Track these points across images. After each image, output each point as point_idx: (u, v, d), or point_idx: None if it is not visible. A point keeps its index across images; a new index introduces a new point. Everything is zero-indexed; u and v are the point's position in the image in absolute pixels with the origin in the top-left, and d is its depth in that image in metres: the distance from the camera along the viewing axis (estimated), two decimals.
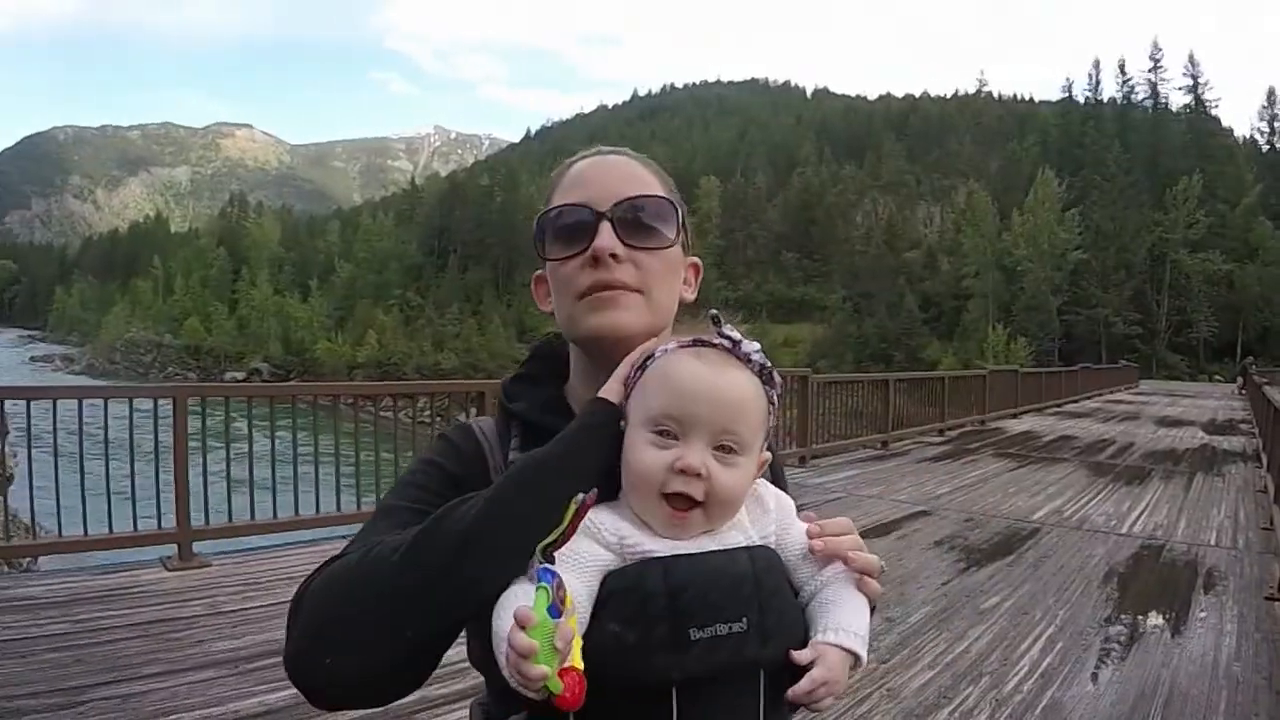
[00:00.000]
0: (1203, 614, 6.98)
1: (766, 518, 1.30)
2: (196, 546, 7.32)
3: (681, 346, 1.28)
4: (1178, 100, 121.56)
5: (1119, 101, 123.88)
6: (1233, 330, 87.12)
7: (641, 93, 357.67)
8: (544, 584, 1.01)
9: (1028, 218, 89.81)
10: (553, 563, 1.07)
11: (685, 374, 1.23)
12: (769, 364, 1.28)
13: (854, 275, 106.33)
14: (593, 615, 1.13)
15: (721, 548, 1.21)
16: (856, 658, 1.25)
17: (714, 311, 1.28)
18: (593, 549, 1.18)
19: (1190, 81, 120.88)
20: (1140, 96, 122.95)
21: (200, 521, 7.48)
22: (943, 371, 28.91)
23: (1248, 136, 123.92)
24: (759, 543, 1.26)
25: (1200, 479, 14.56)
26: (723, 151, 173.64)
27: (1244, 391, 42.67)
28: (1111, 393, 42.67)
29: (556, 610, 1.00)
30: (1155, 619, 6.83)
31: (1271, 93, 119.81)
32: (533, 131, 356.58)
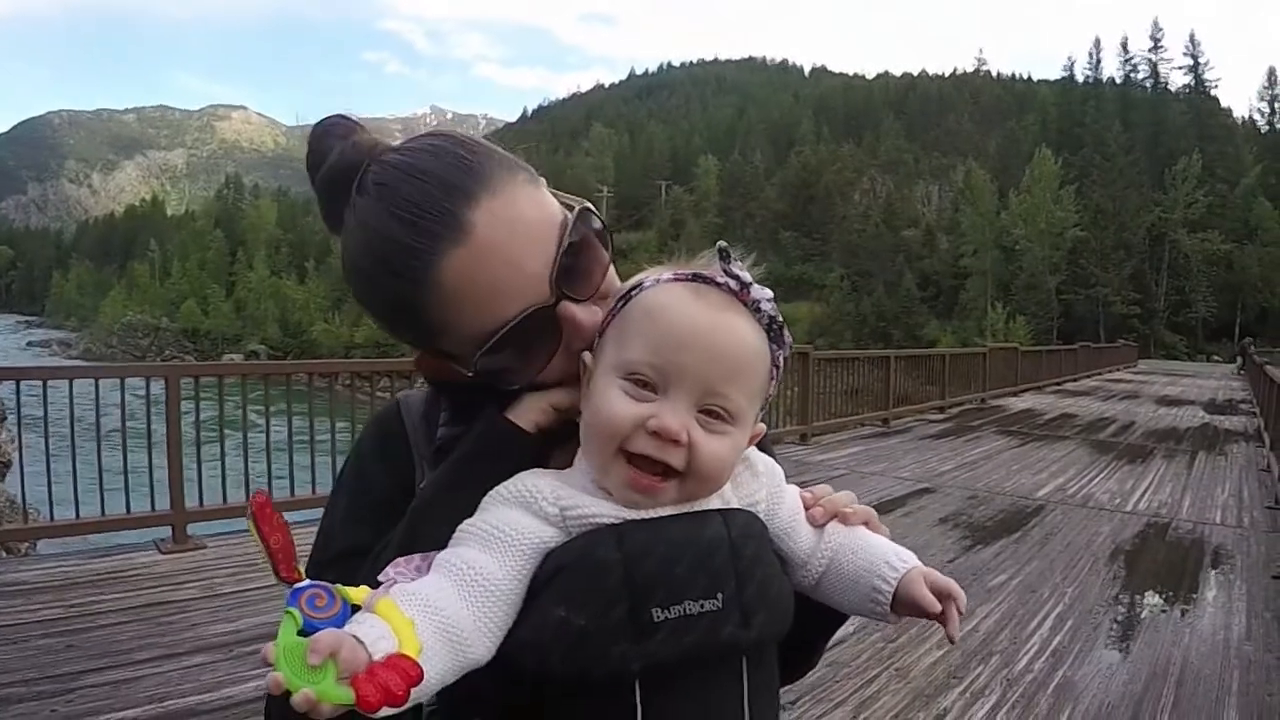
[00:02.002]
0: (1211, 593, 6.93)
1: (755, 482, 1.10)
2: (191, 528, 7.23)
3: (677, 279, 1.05)
4: (1178, 80, 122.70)
5: (1119, 81, 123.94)
6: (1231, 310, 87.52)
7: (639, 71, 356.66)
8: (290, 608, 0.83)
9: (1024, 197, 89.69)
10: (299, 578, 0.86)
11: (676, 314, 1.01)
12: (780, 318, 1.06)
13: (852, 254, 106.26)
14: (534, 597, 0.96)
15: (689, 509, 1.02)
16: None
17: (722, 243, 1.04)
18: (524, 522, 0.98)
19: (1190, 61, 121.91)
20: (1141, 76, 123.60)
21: (195, 503, 7.38)
22: (943, 349, 28.81)
23: (1247, 117, 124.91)
24: (737, 505, 1.06)
25: (1203, 457, 14.52)
26: (721, 130, 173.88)
27: (1244, 371, 42.70)
28: (1111, 372, 42.68)
29: (313, 624, 0.83)
30: (1164, 598, 6.78)
31: (1271, 73, 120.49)
32: (529, 111, 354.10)
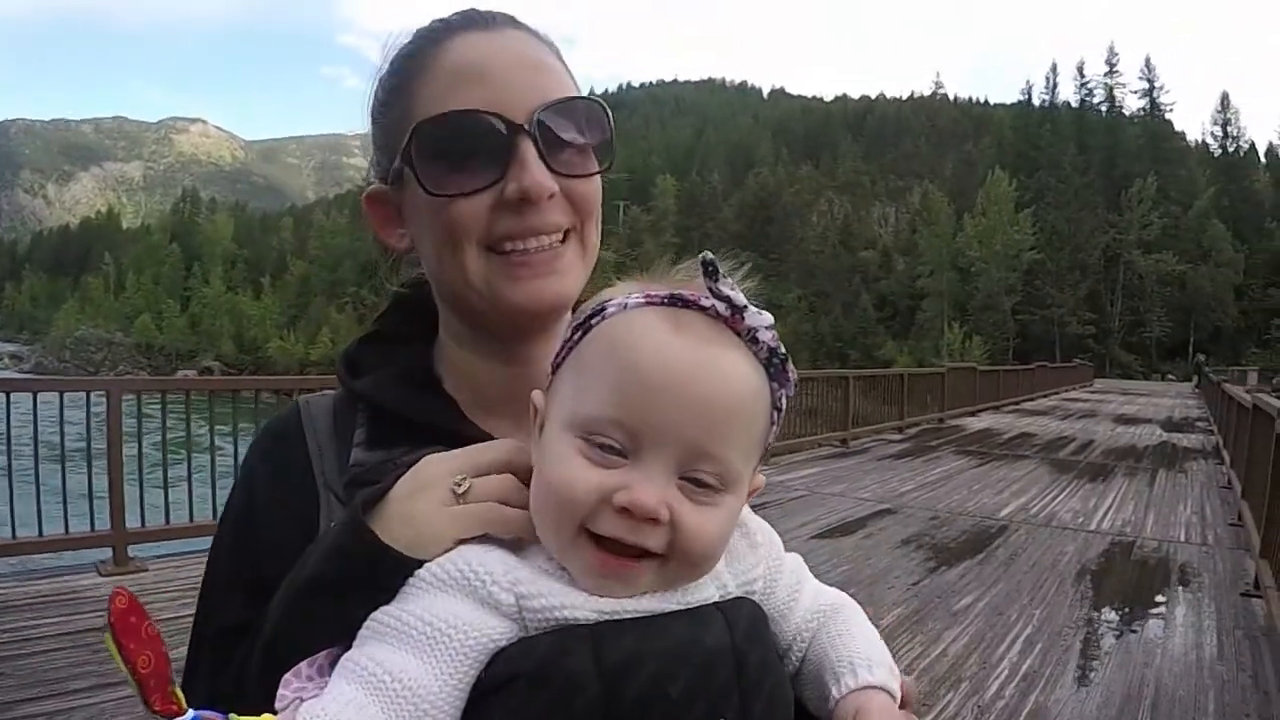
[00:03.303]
0: (1181, 612, 6.88)
1: (753, 556, 0.90)
2: (132, 550, 6.99)
3: (650, 302, 0.82)
4: (1133, 104, 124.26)
5: (1075, 105, 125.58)
6: (1184, 330, 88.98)
7: (599, 91, 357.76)
8: None
9: (980, 219, 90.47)
10: (177, 710, 0.66)
11: (650, 353, 0.78)
12: (783, 349, 0.83)
13: (810, 274, 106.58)
14: (472, 710, 0.75)
15: (680, 606, 0.81)
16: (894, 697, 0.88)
17: (708, 255, 0.80)
18: (468, 616, 0.76)
19: (1146, 85, 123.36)
20: (1097, 100, 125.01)
21: (136, 524, 7.14)
22: (901, 369, 28.93)
23: (1201, 140, 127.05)
24: (736, 592, 0.86)
25: (1163, 475, 14.57)
26: (680, 151, 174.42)
27: (1199, 389, 43.16)
28: (1067, 391, 43.10)
29: None
30: (1134, 618, 6.71)
31: (1225, 97, 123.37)
32: None
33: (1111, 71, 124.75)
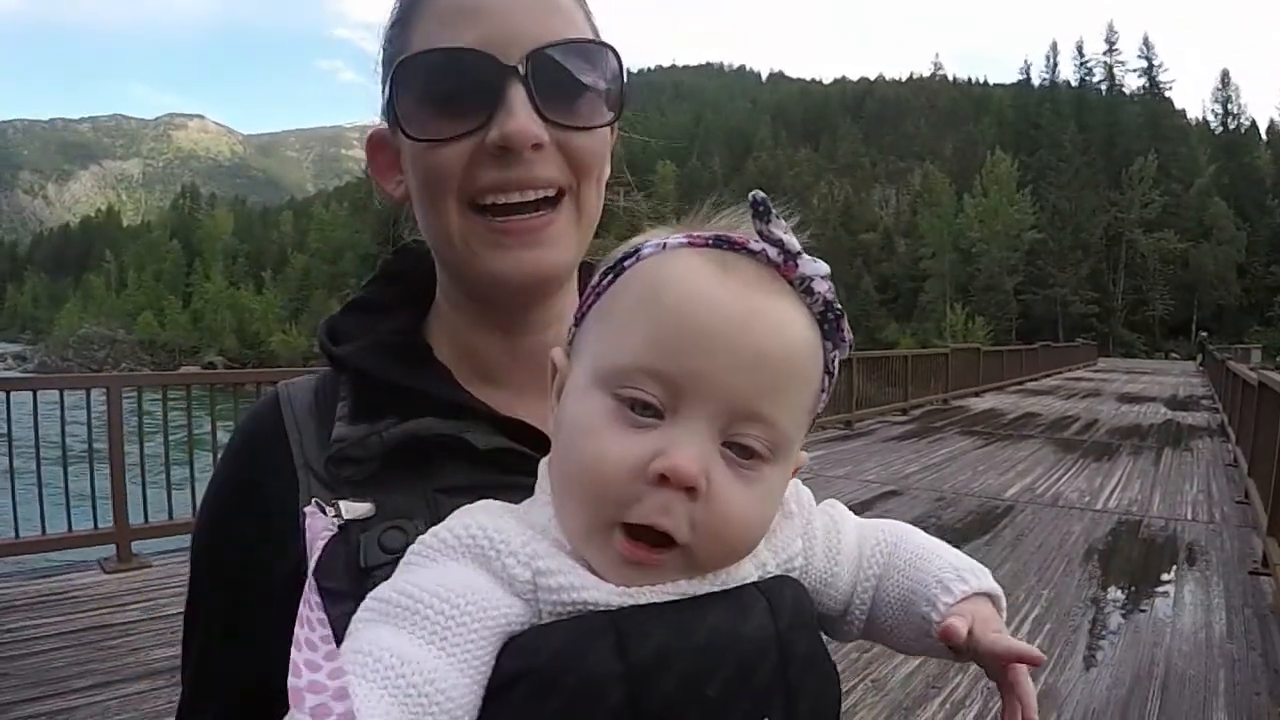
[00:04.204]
0: (1189, 591, 6.83)
1: (790, 528, 0.80)
2: (136, 546, 6.95)
3: (692, 244, 0.72)
4: (1133, 83, 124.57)
5: (1075, 84, 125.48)
6: (1187, 308, 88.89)
7: None
8: None
9: (981, 199, 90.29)
10: None
11: (693, 297, 0.68)
12: (839, 303, 0.73)
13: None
14: (484, 713, 0.65)
15: (717, 588, 0.71)
16: (994, 598, 0.81)
17: (758, 193, 0.70)
18: (483, 589, 0.67)
19: (1145, 64, 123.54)
20: (1096, 79, 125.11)
21: (139, 520, 7.11)
22: (905, 350, 28.87)
23: (1201, 118, 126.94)
24: (776, 572, 0.76)
25: (1169, 454, 14.52)
26: (679, 136, 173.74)
27: (1204, 367, 43.08)
28: (1071, 370, 43.03)
29: None
30: (1142, 597, 6.66)
31: (1225, 75, 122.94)
32: None
33: (1111, 50, 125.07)
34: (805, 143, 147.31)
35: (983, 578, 0.81)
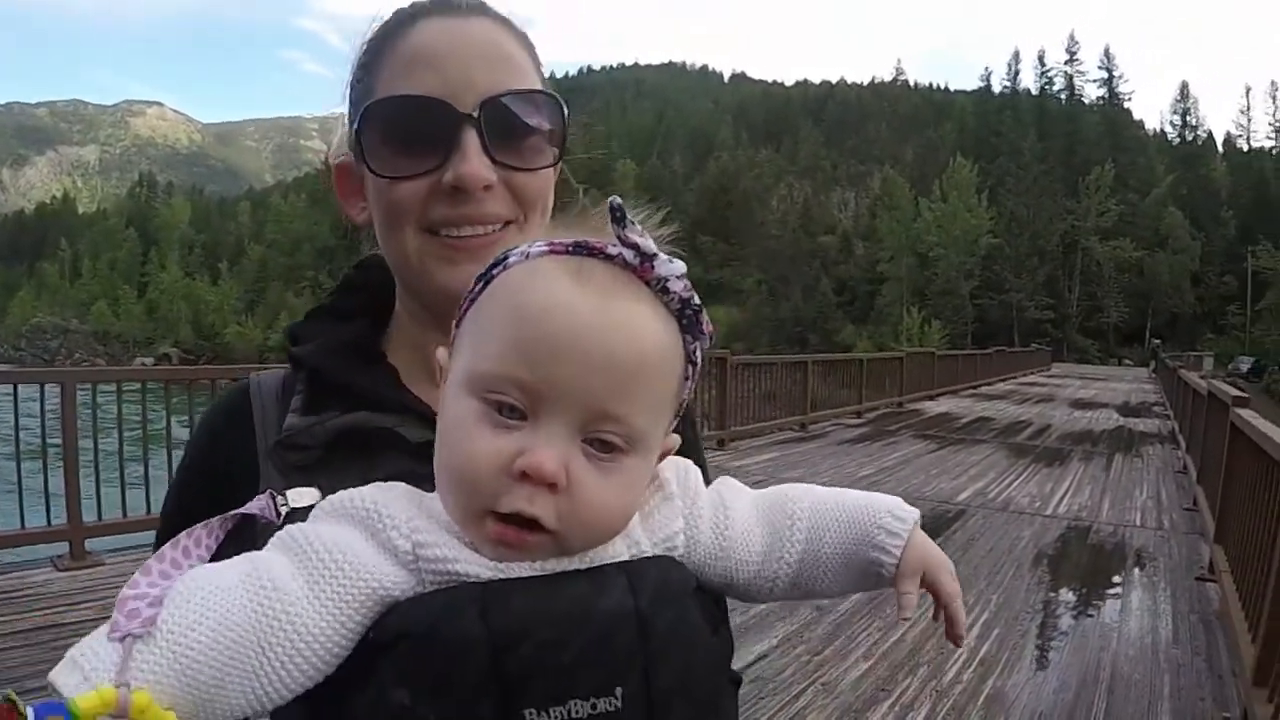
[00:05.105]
0: (1137, 596, 6.94)
1: (669, 509, 0.85)
2: (90, 543, 6.84)
3: (553, 251, 0.78)
4: (1092, 93, 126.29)
5: (1036, 93, 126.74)
6: (1142, 316, 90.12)
7: (559, 75, 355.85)
8: None
9: (940, 204, 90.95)
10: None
11: (549, 306, 0.75)
12: (696, 299, 0.79)
13: (770, 259, 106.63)
14: (370, 665, 0.73)
15: (582, 566, 0.78)
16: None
17: (615, 199, 0.76)
18: (363, 552, 0.75)
19: (1105, 75, 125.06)
20: (1057, 88, 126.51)
21: (93, 517, 7.00)
22: (860, 354, 29.04)
23: (1159, 129, 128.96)
24: (651, 552, 0.82)
25: (1119, 460, 14.70)
26: (640, 135, 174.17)
27: (1156, 374, 43.62)
28: (1025, 375, 43.33)
29: None
30: (1090, 602, 6.77)
31: (1184, 88, 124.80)
32: None
33: (1072, 60, 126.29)
34: (766, 144, 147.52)
35: (907, 508, 0.91)
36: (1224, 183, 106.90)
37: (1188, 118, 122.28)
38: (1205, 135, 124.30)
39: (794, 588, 0.91)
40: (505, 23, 1.02)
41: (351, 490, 0.80)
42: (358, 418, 0.95)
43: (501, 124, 0.96)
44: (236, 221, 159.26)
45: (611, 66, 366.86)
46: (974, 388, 31.43)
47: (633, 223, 0.75)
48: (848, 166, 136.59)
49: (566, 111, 1.02)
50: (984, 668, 5.20)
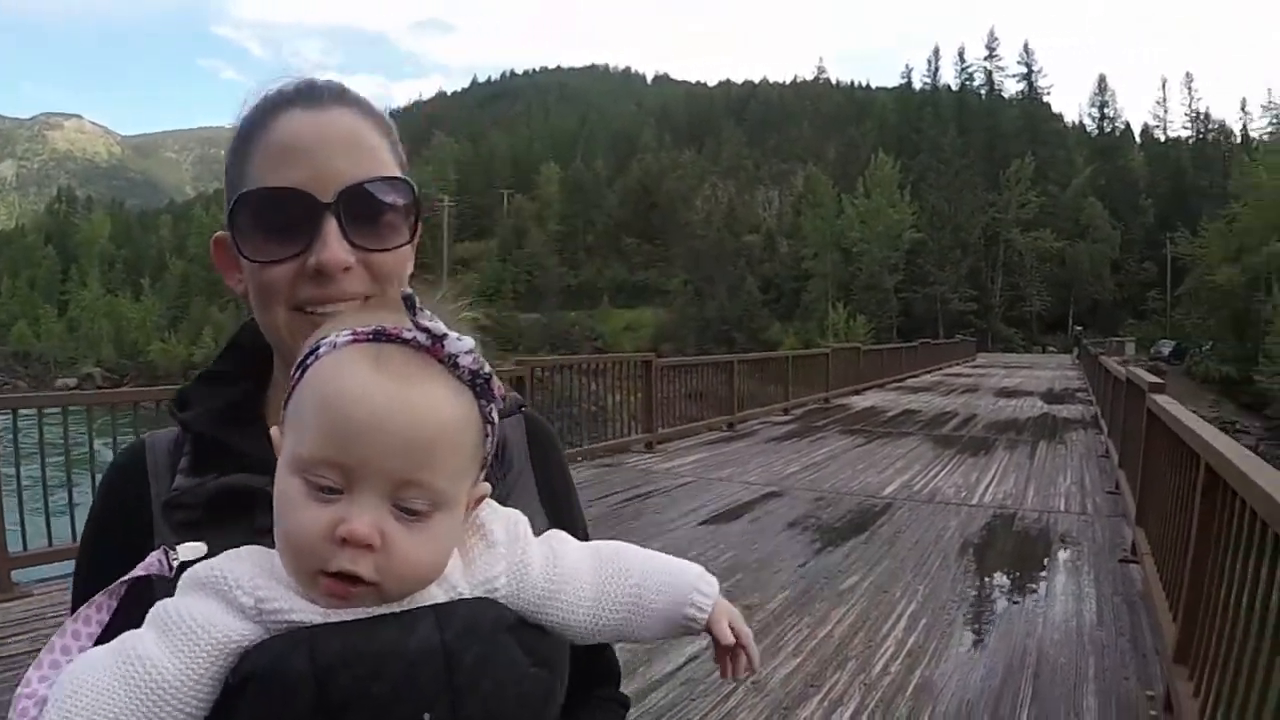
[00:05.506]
0: (1061, 580, 7.02)
1: (491, 556, 0.96)
2: (16, 574, 6.60)
3: (356, 339, 0.87)
4: (1012, 88, 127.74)
5: (956, 88, 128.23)
6: (1064, 304, 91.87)
7: (481, 79, 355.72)
8: None
9: (863, 200, 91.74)
10: None
11: (350, 393, 0.84)
12: (486, 368, 0.90)
13: (695, 259, 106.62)
14: (230, 713, 0.83)
15: (398, 610, 0.88)
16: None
17: (407, 290, 0.87)
18: (214, 614, 0.85)
19: (1025, 70, 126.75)
20: (977, 84, 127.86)
21: (18, 547, 6.76)
22: (786, 351, 29.21)
23: (1077, 122, 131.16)
24: (471, 594, 0.93)
25: (1044, 447, 14.88)
26: (563, 138, 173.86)
27: (1079, 360, 44.33)
28: (950, 366, 43.94)
29: None
30: (1015, 589, 6.84)
31: (1101, 81, 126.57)
32: None
33: (991, 56, 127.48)
34: (689, 145, 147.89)
35: (710, 577, 1.06)
36: (1142, 173, 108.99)
37: (1105, 110, 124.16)
38: (1123, 127, 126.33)
39: (617, 632, 1.03)
40: (364, 109, 1.10)
41: (205, 561, 0.89)
42: (236, 479, 1.02)
43: (358, 210, 1.03)
44: (158, 235, 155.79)
45: (534, 70, 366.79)
46: (900, 381, 31.69)
47: (423, 309, 0.85)
48: (771, 165, 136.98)
49: (417, 191, 1.10)
50: (911, 659, 5.24)
